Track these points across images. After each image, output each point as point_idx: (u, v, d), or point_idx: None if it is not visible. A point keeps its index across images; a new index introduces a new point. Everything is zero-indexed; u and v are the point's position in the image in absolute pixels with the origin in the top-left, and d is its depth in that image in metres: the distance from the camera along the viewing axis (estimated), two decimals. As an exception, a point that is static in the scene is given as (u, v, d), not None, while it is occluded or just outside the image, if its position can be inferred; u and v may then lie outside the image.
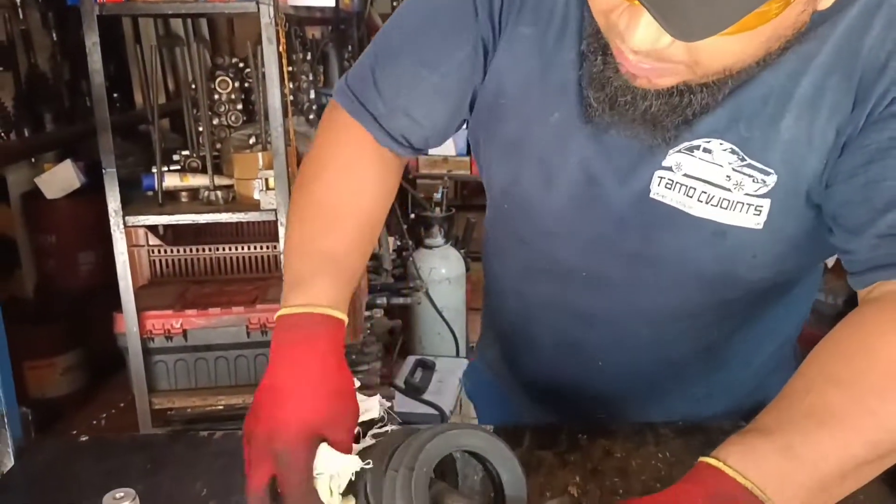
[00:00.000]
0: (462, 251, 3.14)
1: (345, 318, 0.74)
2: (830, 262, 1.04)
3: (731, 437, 0.59)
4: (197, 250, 2.13)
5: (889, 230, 0.65)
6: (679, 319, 0.87)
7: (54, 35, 2.83)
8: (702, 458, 0.58)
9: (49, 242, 2.82)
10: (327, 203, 0.81)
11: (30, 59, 2.74)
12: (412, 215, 3.15)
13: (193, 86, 2.11)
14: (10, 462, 0.89)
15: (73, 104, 2.94)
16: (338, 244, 0.79)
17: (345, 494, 0.70)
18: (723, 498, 0.54)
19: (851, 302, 0.72)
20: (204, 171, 1.96)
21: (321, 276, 0.75)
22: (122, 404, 2.13)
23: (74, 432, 2.63)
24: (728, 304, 0.85)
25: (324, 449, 0.67)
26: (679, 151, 0.73)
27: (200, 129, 2.04)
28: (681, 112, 0.69)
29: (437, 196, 3.11)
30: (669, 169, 0.74)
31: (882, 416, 0.58)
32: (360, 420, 0.73)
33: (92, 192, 2.49)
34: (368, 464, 0.70)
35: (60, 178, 2.65)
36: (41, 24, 2.80)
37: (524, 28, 0.77)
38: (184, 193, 1.98)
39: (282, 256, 1.82)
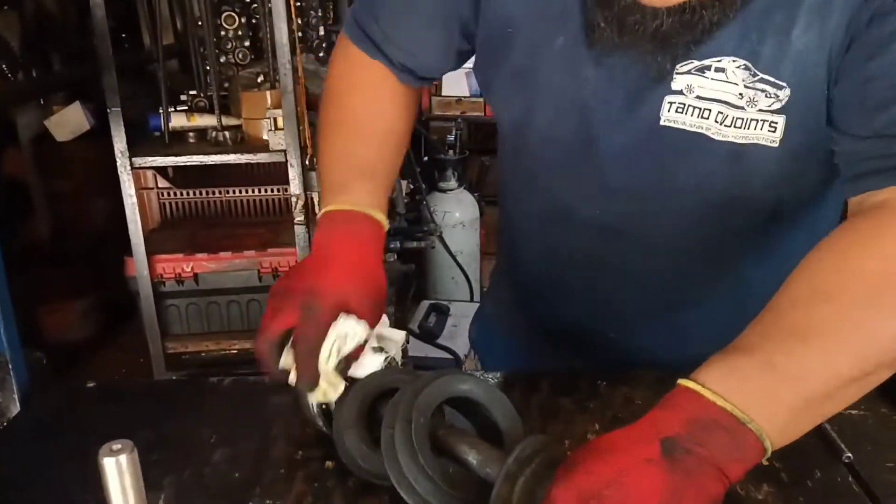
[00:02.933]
0: (476, 195, 3.09)
1: (385, 221, 0.79)
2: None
3: (712, 357, 0.57)
4: (207, 193, 2.09)
5: (880, 131, 0.63)
6: (698, 249, 0.83)
7: (60, -28, 2.75)
8: (680, 381, 0.57)
9: (61, 187, 2.80)
10: (353, 120, 0.86)
11: (35, -2, 2.67)
12: (425, 158, 3.09)
13: (200, 23, 2.04)
14: (15, 408, 0.87)
15: (82, 45, 2.87)
16: (370, 154, 0.83)
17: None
18: (702, 423, 0.52)
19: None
20: (211, 110, 1.91)
21: (360, 182, 0.80)
22: (137, 349, 2.14)
23: (86, 379, 2.65)
24: (748, 229, 0.82)
25: (344, 315, 0.71)
26: (689, 73, 0.71)
27: (208, 68, 1.98)
28: (692, 29, 0.67)
29: (451, 138, 3.04)
30: (680, 93, 0.72)
31: (868, 329, 0.55)
32: (387, 355, 0.75)
33: (103, 135, 2.46)
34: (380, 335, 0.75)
35: (70, 120, 2.60)
36: (45, -40, 2.72)
37: None
38: (191, 134, 1.93)
39: (293, 199, 1.78)
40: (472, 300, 2.93)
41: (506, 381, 0.88)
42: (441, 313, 2.62)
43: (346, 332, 0.70)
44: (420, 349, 2.38)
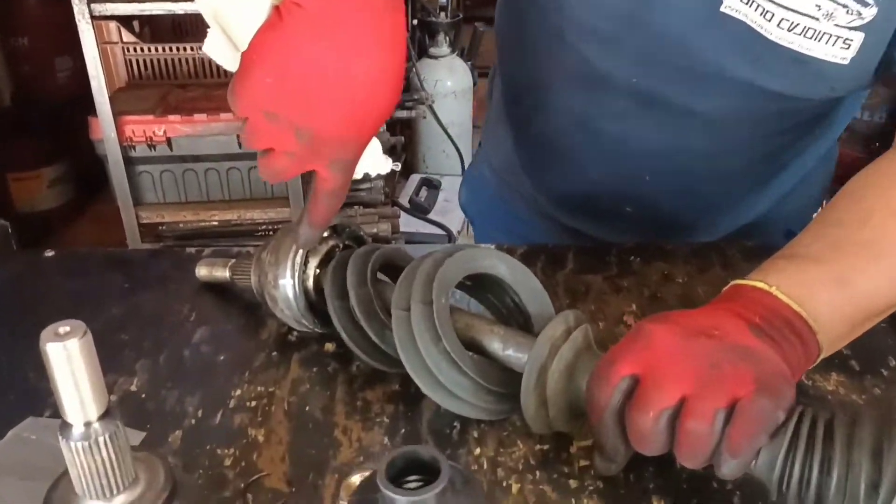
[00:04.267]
0: (469, 63, 2.90)
1: None
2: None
3: (776, 260, 0.55)
4: (178, 50, 1.90)
5: None
6: (739, 131, 0.74)
7: None
8: (746, 282, 0.54)
9: (21, 45, 2.59)
10: None
11: None
12: (414, 21, 2.87)
13: None
14: (-35, 279, 0.76)
15: None
16: None
17: None
18: (778, 323, 0.50)
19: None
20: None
21: None
22: (110, 220, 2.02)
23: (46, 250, 2.54)
24: (792, 128, 0.75)
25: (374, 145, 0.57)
26: None
27: None
28: None
29: (443, 0, 2.81)
30: None
31: None
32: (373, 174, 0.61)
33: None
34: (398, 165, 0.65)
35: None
36: None
37: None
38: (159, -19, 1.71)
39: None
40: (463, 174, 2.81)
41: (523, 255, 0.77)
42: (432, 188, 2.50)
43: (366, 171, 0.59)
44: (411, 224, 2.28)
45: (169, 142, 1.68)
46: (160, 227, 1.81)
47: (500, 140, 0.93)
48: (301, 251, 0.61)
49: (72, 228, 2.70)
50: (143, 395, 0.60)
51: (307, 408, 0.58)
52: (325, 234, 0.64)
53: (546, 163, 0.85)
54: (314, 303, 0.63)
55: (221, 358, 0.64)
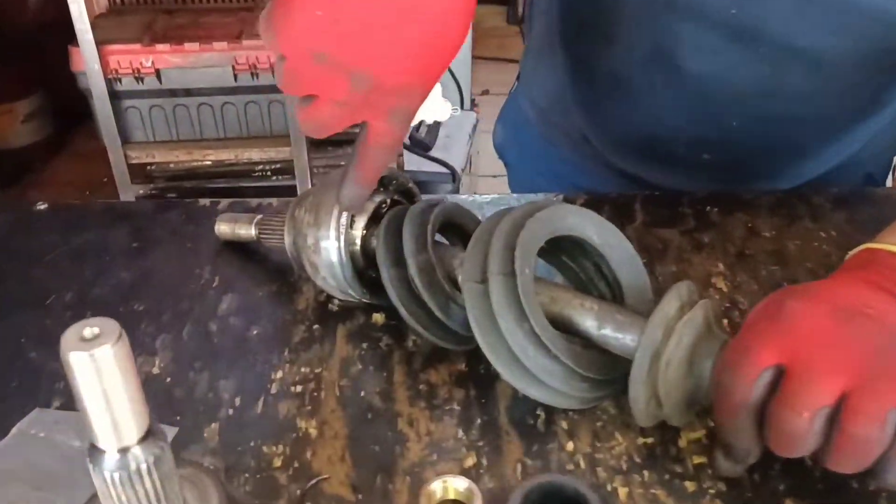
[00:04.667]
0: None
1: None
2: None
3: None
4: (162, -29, 1.74)
5: None
6: (842, 69, 0.63)
7: None
8: (883, 246, 0.46)
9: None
10: None
11: None
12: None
13: None
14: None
15: None
16: None
17: None
18: None
19: None
20: None
21: None
22: (96, 159, 1.89)
23: (39, 190, 2.43)
24: None
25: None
26: None
27: None
28: None
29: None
30: None
31: None
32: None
33: None
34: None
35: None
36: None
37: None
38: None
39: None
40: (462, 108, 2.68)
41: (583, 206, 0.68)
42: (433, 123, 2.38)
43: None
44: (412, 162, 2.17)
45: (158, 74, 1.54)
46: (149, 168, 1.69)
47: (546, 75, 0.83)
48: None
49: (51, 166, 2.57)
50: (169, 380, 0.51)
51: (362, 393, 0.50)
52: None
53: (610, 103, 0.75)
54: (361, 269, 0.54)
55: (254, 332, 0.55)
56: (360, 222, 0.53)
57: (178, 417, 0.48)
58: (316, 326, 0.55)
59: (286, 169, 1.68)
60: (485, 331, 0.46)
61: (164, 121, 1.61)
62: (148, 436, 0.30)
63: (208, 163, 1.68)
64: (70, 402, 0.49)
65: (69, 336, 0.28)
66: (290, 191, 1.65)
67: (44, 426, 0.48)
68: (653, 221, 0.66)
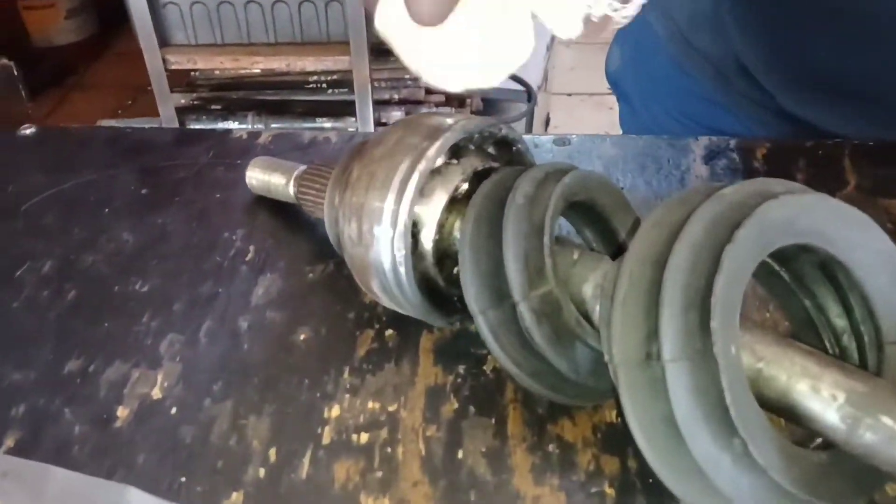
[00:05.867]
0: None
1: None
2: None
3: None
4: None
5: None
6: None
7: None
8: None
9: None
10: None
11: None
12: None
13: None
14: None
15: None
16: None
17: None
18: None
19: None
20: None
21: None
22: (136, 62, 1.73)
23: (80, 93, 2.29)
24: None
25: None
26: None
27: None
28: None
29: None
30: None
31: None
32: None
33: None
34: None
35: None
36: None
37: None
38: None
39: None
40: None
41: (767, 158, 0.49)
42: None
43: None
44: (482, 77, 1.95)
45: (200, -35, 1.35)
46: (192, 74, 1.52)
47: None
48: (418, 174, 0.33)
49: (93, 68, 2.44)
50: (174, 411, 0.34)
51: (460, 453, 0.33)
52: (447, 160, 0.35)
53: (801, 22, 0.53)
54: (432, 279, 0.35)
55: (301, 337, 0.38)
56: (441, 196, 0.34)
57: (183, 479, 0.32)
58: (389, 332, 0.38)
59: (344, 81, 1.48)
60: (656, 446, 0.27)
61: (208, 21, 1.42)
62: None
63: (257, 71, 1.50)
64: (32, 438, 0.33)
65: None
66: (351, 107, 1.46)
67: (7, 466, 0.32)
68: (874, 187, 0.46)
